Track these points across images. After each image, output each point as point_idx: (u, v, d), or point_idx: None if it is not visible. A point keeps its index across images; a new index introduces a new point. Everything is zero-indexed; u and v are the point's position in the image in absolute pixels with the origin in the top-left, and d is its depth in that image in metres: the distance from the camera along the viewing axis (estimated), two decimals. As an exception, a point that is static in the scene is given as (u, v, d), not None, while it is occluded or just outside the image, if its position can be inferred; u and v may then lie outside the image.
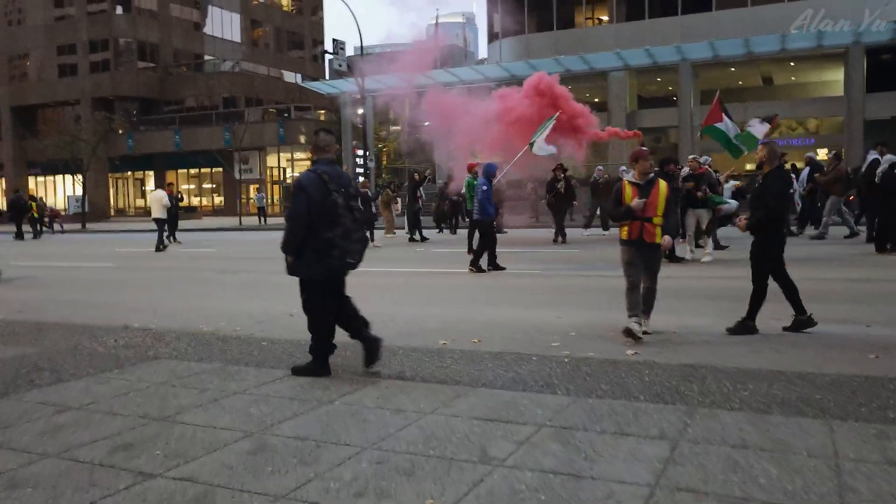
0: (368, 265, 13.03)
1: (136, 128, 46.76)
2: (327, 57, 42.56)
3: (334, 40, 28.36)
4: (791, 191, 13.39)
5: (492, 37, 37.45)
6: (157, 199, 18.78)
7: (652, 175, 6.34)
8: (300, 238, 5.02)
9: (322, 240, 4.99)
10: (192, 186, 48.24)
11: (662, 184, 6.30)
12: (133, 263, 15.70)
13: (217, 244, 20.90)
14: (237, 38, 54.25)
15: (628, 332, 6.07)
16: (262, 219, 33.17)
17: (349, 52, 33.45)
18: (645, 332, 6.19)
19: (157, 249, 18.13)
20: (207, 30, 52.52)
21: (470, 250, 13.49)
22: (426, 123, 19.62)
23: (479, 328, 7.08)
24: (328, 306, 5.33)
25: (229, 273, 13.00)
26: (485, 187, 11.51)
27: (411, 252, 16.44)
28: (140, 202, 49.56)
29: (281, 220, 35.04)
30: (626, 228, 6.30)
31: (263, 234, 27.67)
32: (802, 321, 6.31)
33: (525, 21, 35.47)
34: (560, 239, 16.47)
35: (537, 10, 35.15)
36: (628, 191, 6.29)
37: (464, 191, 15.43)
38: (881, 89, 28.62)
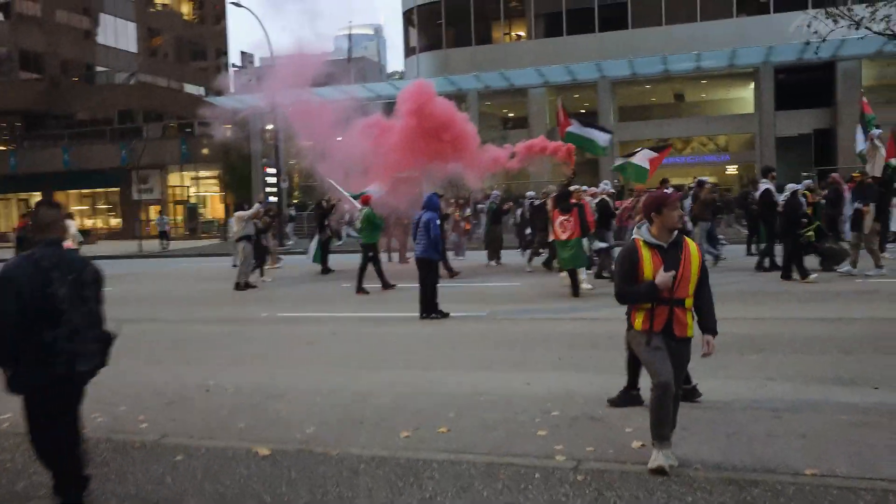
0: (286, 308, 11.33)
1: (20, 144, 42.91)
2: (231, 69, 40.51)
3: (242, 52, 26.61)
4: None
5: (408, 51, 36.47)
6: None
7: (676, 233, 4.46)
8: (11, 344, 3.71)
9: (40, 344, 3.76)
10: (85, 207, 44.68)
11: (692, 246, 4.45)
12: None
13: (116, 280, 18.71)
14: (133, 47, 50.99)
15: (659, 471, 4.24)
16: (165, 243, 30.80)
17: (258, 63, 31.64)
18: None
19: None
20: (100, 39, 49.08)
21: (359, 289, 13.09)
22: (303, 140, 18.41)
23: (442, 405, 5.94)
24: (56, 434, 4.01)
25: (132, 323, 11.18)
26: (437, 221, 10.39)
27: (320, 287, 15.08)
28: (26, 225, 45.51)
29: (186, 244, 32.81)
30: (643, 315, 4.39)
31: (166, 261, 25.52)
32: (633, 397, 5.64)
33: (443, 36, 34.68)
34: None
35: (455, 25, 34.46)
36: (647, 258, 4.35)
37: (359, 225, 13.84)
38: (789, 107, 29.41)
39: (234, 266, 19.83)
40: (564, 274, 12.25)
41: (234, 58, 25.07)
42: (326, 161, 16.49)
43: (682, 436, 4.46)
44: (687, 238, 4.47)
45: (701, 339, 4.42)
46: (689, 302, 4.38)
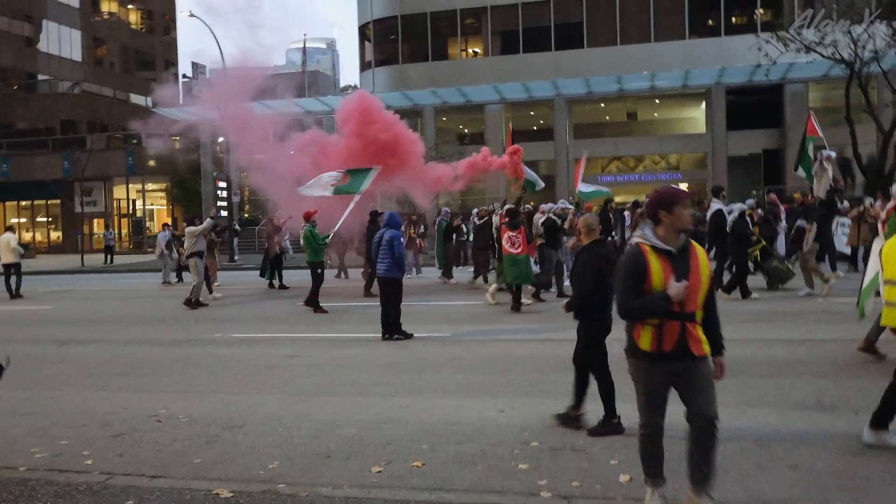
0: (239, 328, 10.83)
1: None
2: (181, 80, 39.54)
3: (194, 63, 25.88)
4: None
5: (364, 65, 36.15)
6: (4, 244, 17.18)
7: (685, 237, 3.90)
8: None
9: None
10: (24, 220, 42.91)
11: (700, 251, 3.88)
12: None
13: (55, 297, 17.82)
14: (77, 56, 49.38)
15: None
16: (110, 258, 29.69)
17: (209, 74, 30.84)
18: None
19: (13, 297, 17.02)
20: (43, 46, 47.39)
21: (308, 301, 12.98)
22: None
23: (413, 436, 5.62)
24: None
25: (74, 344, 10.59)
26: (401, 239, 10.05)
27: (274, 306, 14.54)
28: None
29: (132, 259, 31.65)
30: (650, 332, 3.80)
31: (110, 277, 24.51)
32: (614, 426, 5.47)
33: (399, 51, 34.50)
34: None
35: (412, 40, 34.31)
36: (655, 265, 3.75)
37: (302, 242, 13.45)
38: (739, 128, 30.07)
39: (165, 283, 19.47)
40: (491, 289, 13.07)
41: (185, 68, 24.36)
42: (266, 176, 16.17)
43: (669, 468, 4.24)
44: (694, 242, 3.90)
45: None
46: (699, 315, 3.82)
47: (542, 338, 9.73)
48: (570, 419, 5.70)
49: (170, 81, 44.77)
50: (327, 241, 13.50)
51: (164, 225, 22.03)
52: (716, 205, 13.93)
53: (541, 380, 7.36)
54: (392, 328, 9.84)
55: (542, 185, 16.90)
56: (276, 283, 17.16)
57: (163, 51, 54.77)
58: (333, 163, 15.11)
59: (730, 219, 13.17)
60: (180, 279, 19.83)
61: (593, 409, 5.64)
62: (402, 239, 10.14)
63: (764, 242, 13.96)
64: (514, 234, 12.00)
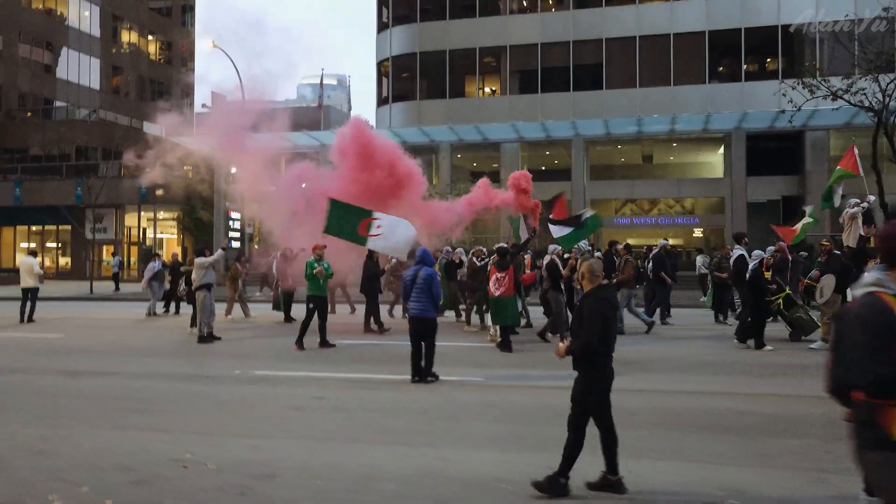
0: (260, 365, 10.30)
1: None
2: (202, 110, 39.48)
3: (213, 93, 25.83)
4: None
5: (381, 101, 36.23)
6: (26, 268, 17.31)
7: None
8: None
9: None
10: (33, 245, 42.68)
11: None
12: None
13: (64, 324, 17.39)
14: (95, 84, 49.74)
15: None
16: (117, 285, 29.33)
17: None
18: None
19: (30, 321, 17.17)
20: (61, 73, 47.75)
21: (322, 342, 12.49)
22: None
23: (460, 494, 5.19)
24: None
25: (84, 377, 10.14)
26: (438, 276, 9.69)
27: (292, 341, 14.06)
28: (-31, 261, 43.19)
29: (137, 288, 31.29)
30: None
31: (120, 305, 24.09)
32: (612, 482, 5.17)
33: (417, 87, 34.57)
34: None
35: (430, 77, 34.42)
36: None
37: (306, 274, 12.89)
38: (758, 173, 29.81)
39: (150, 314, 18.53)
40: (492, 331, 12.90)
41: (206, 98, 24.34)
42: (267, 208, 16.02)
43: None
44: None
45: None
46: None
47: (654, 388, 9.21)
48: (610, 485, 5.23)
49: (184, 111, 45.04)
50: (330, 274, 13.03)
51: (156, 255, 21.43)
52: (738, 251, 13.54)
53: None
54: (425, 371, 9.40)
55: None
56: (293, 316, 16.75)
57: (180, 81, 55.17)
58: (334, 189, 14.89)
59: (751, 267, 12.86)
60: (167, 310, 19.48)
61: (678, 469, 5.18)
62: (438, 277, 9.79)
63: (788, 290, 13.57)
64: (502, 275, 12.04)
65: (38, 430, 7.17)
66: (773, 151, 29.84)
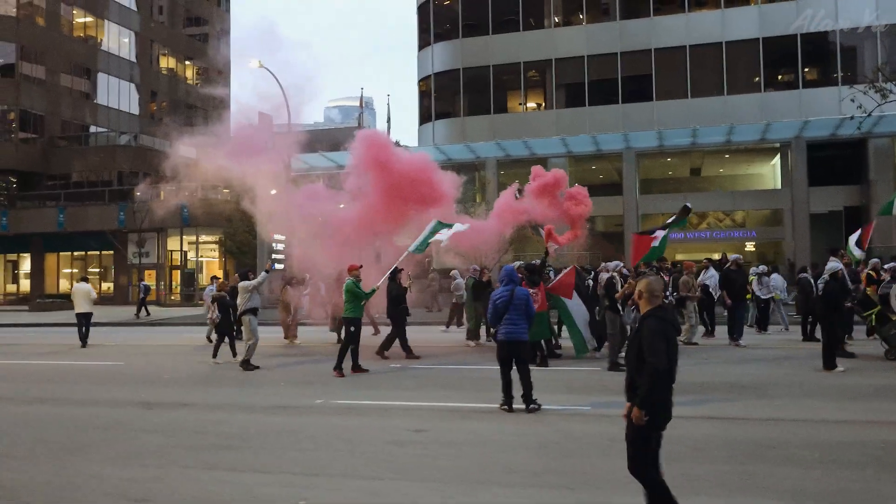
0: (339, 394, 9.43)
1: (12, 204, 41.32)
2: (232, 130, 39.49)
3: (260, 113, 25.44)
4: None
5: (423, 118, 35.78)
6: (83, 293, 17.70)
7: None
8: None
9: None
10: (76, 271, 42.82)
11: None
12: (11, 387, 11.76)
13: (121, 351, 16.93)
14: (134, 109, 50.18)
15: None
16: (144, 310, 28.99)
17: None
18: None
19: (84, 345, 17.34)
20: (101, 100, 48.23)
21: (354, 367, 11.94)
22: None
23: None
24: None
25: (160, 409, 9.53)
26: (533, 291, 9.01)
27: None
28: (11, 287, 43.43)
29: (182, 311, 30.97)
30: None
31: (168, 330, 23.63)
32: None
33: (461, 103, 34.06)
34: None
35: (473, 92, 33.91)
36: None
37: (344, 296, 12.28)
38: (819, 183, 28.66)
39: (210, 340, 17.21)
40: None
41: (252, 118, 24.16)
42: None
43: None
44: None
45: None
46: None
47: (703, 414, 8.38)
48: None
49: (219, 134, 45.01)
50: (370, 295, 12.48)
51: (213, 278, 20.66)
52: (834, 264, 12.61)
53: (747, 471, 6.06)
54: (526, 398, 8.65)
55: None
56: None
57: (216, 104, 55.46)
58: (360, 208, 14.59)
59: (820, 281, 12.28)
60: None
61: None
62: (532, 292, 9.09)
63: (879, 307, 12.59)
64: (534, 291, 11.76)
65: (126, 471, 6.53)
66: (834, 160, 28.67)
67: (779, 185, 30.76)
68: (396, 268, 13.88)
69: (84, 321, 17.52)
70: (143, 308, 29.23)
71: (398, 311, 13.94)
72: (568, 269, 13.70)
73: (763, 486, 5.77)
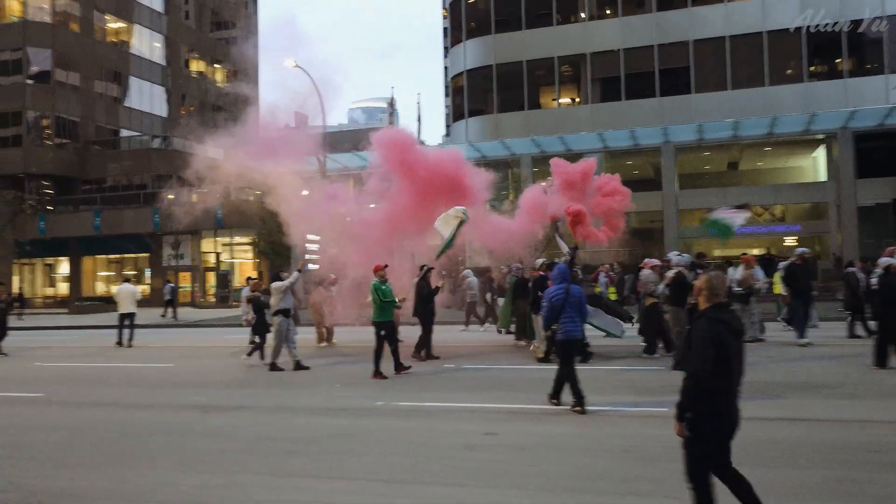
0: (398, 395, 9.10)
1: (49, 209, 41.80)
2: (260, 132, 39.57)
3: (297, 113, 25.36)
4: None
5: (456, 115, 35.49)
6: (129, 294, 18.37)
7: None
8: None
9: None
10: (112, 273, 43.24)
11: None
12: (67, 391, 11.70)
13: (169, 354, 16.90)
14: (164, 112, 50.61)
15: None
16: (171, 311, 29.09)
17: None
18: None
19: (119, 344, 17.98)
20: (133, 103, 48.69)
21: (376, 373, 11.46)
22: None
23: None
24: None
25: (218, 412, 9.37)
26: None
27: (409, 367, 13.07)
28: (49, 291, 43.97)
29: (216, 313, 31.01)
30: None
31: (207, 332, 23.64)
32: None
33: (494, 100, 33.71)
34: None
35: (506, 89, 33.53)
36: None
37: (369, 298, 11.94)
38: (865, 175, 27.87)
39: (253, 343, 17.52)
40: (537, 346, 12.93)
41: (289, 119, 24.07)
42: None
43: None
44: None
45: None
46: None
47: (785, 415, 7.99)
48: None
49: (249, 134, 45.10)
50: (397, 304, 12.13)
51: (249, 279, 20.38)
52: (889, 258, 12.05)
53: (849, 477, 5.69)
54: (580, 397, 8.42)
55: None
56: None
57: (245, 104, 55.68)
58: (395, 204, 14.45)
59: (873, 275, 11.94)
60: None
61: None
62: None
63: None
64: None
65: (197, 477, 6.35)
66: (881, 151, 27.82)
67: (822, 178, 29.96)
68: (427, 266, 13.68)
69: (128, 321, 18.12)
70: (169, 308, 29.40)
71: (426, 311, 13.62)
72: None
73: (861, 493, 5.42)
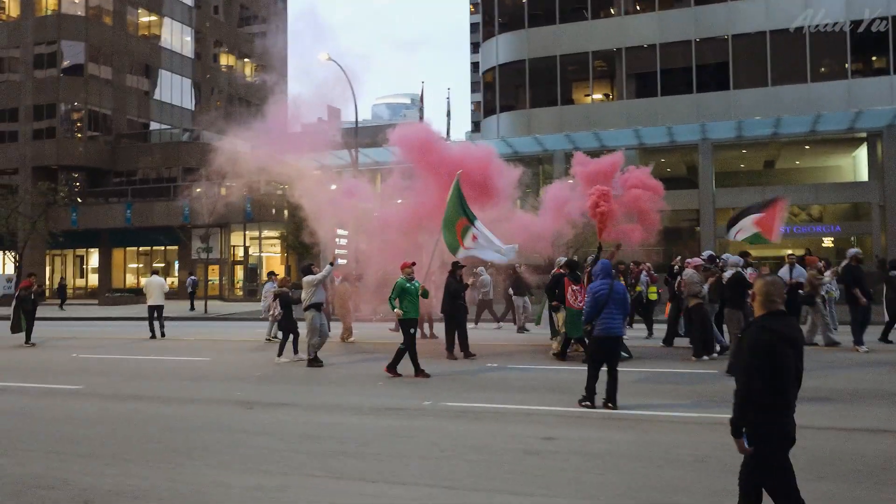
0: (444, 395, 8.78)
1: (82, 200, 42.17)
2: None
3: (329, 107, 25.17)
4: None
5: (487, 111, 35.14)
6: (158, 286, 18.57)
7: None
8: None
9: None
10: (141, 266, 43.53)
11: None
12: (106, 383, 11.59)
13: (203, 347, 16.78)
14: (194, 106, 50.83)
15: None
16: (190, 302, 29.40)
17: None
18: None
19: (153, 336, 18.19)
20: (164, 97, 48.96)
21: (417, 371, 11.19)
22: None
23: None
24: None
25: (261, 408, 9.16)
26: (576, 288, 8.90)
27: (447, 366, 12.78)
28: (80, 282, 44.37)
29: (245, 306, 31.03)
30: None
31: (233, 325, 23.60)
32: None
33: (526, 95, 33.29)
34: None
35: (539, 84, 33.09)
36: None
37: (392, 297, 11.56)
38: (909, 174, 27.06)
39: (269, 339, 17.04)
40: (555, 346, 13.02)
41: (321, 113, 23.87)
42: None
43: None
44: None
45: None
46: None
47: (847, 425, 7.60)
48: None
49: (278, 128, 45.09)
50: (420, 295, 11.68)
51: (270, 273, 19.98)
52: None
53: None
54: (612, 397, 8.51)
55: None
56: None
57: (272, 99, 55.72)
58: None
59: None
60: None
61: None
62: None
63: None
64: (578, 287, 12.01)
65: (249, 478, 6.12)
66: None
67: (863, 178, 29.17)
68: (458, 262, 13.40)
69: (156, 313, 18.31)
70: (192, 301, 29.73)
71: (455, 307, 13.22)
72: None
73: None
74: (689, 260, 13.90)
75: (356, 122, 27.82)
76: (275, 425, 8.19)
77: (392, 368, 11.28)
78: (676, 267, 14.82)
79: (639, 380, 10.56)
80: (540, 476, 6.05)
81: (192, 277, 31.89)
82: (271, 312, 13.97)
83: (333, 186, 28.66)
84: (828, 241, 32.37)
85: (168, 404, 9.56)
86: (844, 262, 14.51)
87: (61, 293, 35.50)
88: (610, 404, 8.45)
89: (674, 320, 14.46)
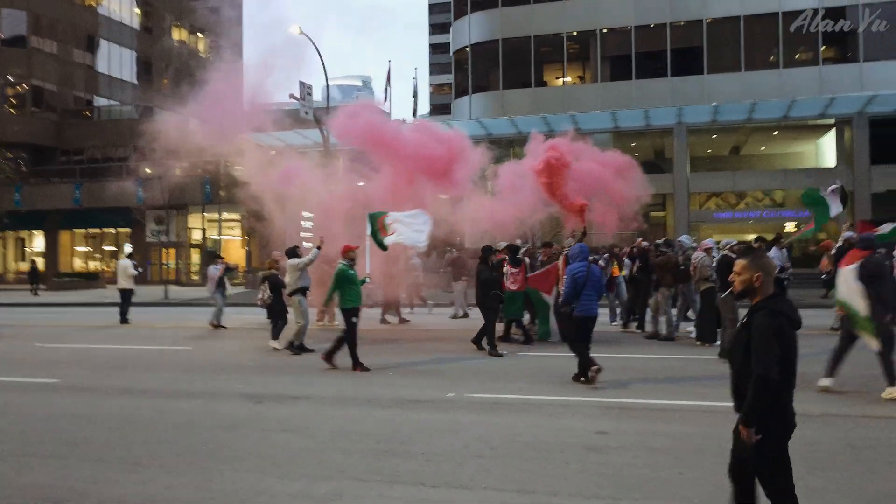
0: (464, 387, 8.01)
1: (26, 180, 39.85)
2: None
3: (301, 83, 24.11)
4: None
5: (458, 91, 34.37)
6: (121, 269, 18.39)
7: None
8: None
9: None
10: (90, 249, 41.55)
11: None
12: (86, 375, 10.61)
13: (181, 335, 15.77)
14: (138, 81, 48.56)
15: None
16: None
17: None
18: None
19: (123, 322, 17.91)
20: (114, 72, 46.68)
21: (355, 365, 10.26)
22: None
23: None
24: None
25: (270, 402, 8.41)
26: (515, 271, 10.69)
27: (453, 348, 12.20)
28: (23, 266, 42.08)
29: (197, 293, 29.76)
30: None
31: (196, 311, 22.42)
32: None
33: (500, 76, 32.64)
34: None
35: (513, 65, 32.47)
36: None
37: (332, 289, 10.71)
38: (879, 162, 27.52)
39: (215, 325, 16.26)
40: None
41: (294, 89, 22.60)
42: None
43: None
44: None
45: None
46: None
47: (854, 413, 7.30)
48: None
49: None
50: (362, 283, 10.89)
51: (217, 257, 18.75)
52: None
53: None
54: (585, 369, 9.03)
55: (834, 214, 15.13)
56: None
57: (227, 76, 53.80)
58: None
59: None
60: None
61: None
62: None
63: None
64: (516, 270, 12.43)
65: (292, 484, 5.46)
66: (891, 136, 27.47)
67: (827, 164, 29.59)
68: (490, 247, 12.64)
69: (123, 297, 18.09)
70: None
71: (489, 298, 11.98)
72: (551, 265, 12.92)
73: None
74: (703, 242, 13.57)
75: (328, 104, 26.79)
76: (298, 421, 7.49)
77: (329, 357, 10.55)
78: (635, 249, 14.62)
79: (664, 367, 10.16)
80: (615, 476, 5.53)
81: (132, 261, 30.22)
82: (260, 296, 13.13)
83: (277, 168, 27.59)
84: (790, 226, 32.88)
85: (164, 399, 8.70)
86: (837, 245, 14.45)
87: (33, 277, 33.02)
88: (582, 378, 8.95)
89: (631, 304, 14.62)
